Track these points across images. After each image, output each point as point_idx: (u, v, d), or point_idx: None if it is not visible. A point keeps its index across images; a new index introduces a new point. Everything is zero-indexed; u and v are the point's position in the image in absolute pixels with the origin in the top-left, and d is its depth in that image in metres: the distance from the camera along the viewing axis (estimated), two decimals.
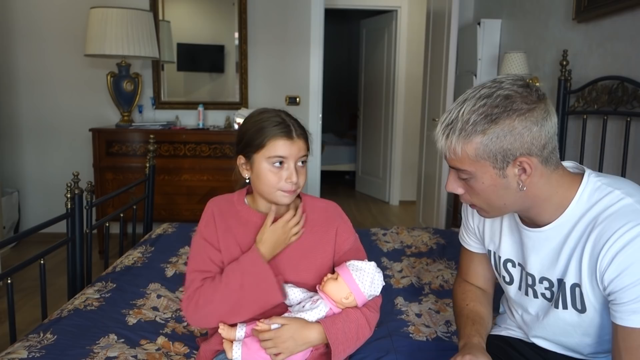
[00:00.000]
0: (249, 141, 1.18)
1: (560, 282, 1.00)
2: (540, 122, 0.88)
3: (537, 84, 2.81)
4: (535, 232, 1.01)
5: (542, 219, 0.99)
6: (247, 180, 1.23)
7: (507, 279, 1.12)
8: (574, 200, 0.95)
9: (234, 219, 1.25)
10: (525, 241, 1.04)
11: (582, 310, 0.97)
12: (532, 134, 0.88)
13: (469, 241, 1.23)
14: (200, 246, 1.24)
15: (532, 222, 1.01)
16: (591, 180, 0.95)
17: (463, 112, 0.90)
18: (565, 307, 1.00)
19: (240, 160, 1.22)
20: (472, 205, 1.02)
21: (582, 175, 0.98)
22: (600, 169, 2.17)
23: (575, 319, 1.00)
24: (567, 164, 1.03)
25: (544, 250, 1.01)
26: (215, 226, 1.24)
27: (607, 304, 0.94)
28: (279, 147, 1.16)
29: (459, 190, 0.99)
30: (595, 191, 0.94)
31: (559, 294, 1.00)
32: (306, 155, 1.21)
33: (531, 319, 1.10)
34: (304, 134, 1.20)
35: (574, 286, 0.97)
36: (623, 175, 2.02)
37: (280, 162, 1.16)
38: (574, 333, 1.03)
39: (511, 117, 0.87)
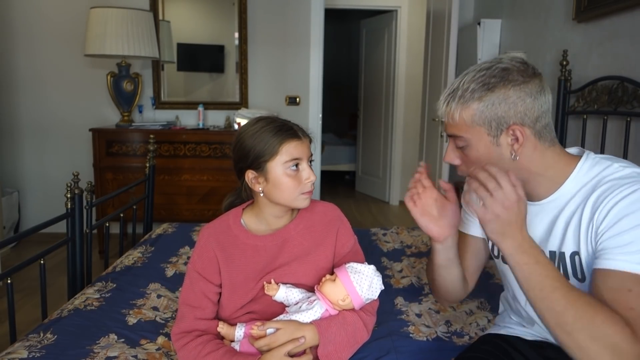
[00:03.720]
0: (259, 153, 1.14)
1: (554, 254, 1.01)
2: (534, 94, 0.94)
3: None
4: (531, 205, 1.02)
5: (537, 193, 1.01)
6: (261, 194, 1.19)
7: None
8: (573, 174, 0.98)
9: (232, 246, 1.22)
10: None
11: (583, 279, 0.98)
12: (526, 104, 0.93)
13: (468, 221, 1.23)
14: (192, 279, 1.22)
15: (527, 196, 1.02)
16: (590, 157, 0.99)
17: (464, 82, 0.96)
18: (567, 278, 0.99)
19: (250, 175, 1.18)
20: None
21: (581, 156, 1.01)
22: None
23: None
24: (571, 150, 1.05)
25: (538, 224, 1.02)
26: (216, 256, 1.21)
27: None
28: (293, 149, 1.14)
29: (456, 161, 1.03)
30: (595, 166, 0.97)
31: (559, 265, 1.00)
32: (312, 154, 1.21)
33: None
34: (305, 133, 1.20)
35: (574, 255, 0.97)
36: None
37: (296, 165, 1.15)
38: None
39: (507, 86, 0.93)
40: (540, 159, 0.97)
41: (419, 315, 1.57)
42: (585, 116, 2.30)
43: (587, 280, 0.97)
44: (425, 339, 1.42)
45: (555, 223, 0.99)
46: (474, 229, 1.22)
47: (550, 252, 1.02)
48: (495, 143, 0.96)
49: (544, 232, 1.02)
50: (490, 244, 1.18)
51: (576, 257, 0.97)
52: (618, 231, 0.87)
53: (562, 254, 0.99)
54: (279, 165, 1.14)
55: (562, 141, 2.46)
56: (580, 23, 2.41)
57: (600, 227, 0.90)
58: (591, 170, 0.96)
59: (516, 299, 1.15)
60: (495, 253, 1.16)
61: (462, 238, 1.24)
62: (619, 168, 0.94)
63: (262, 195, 1.19)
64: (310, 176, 1.16)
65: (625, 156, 2.01)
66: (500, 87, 0.93)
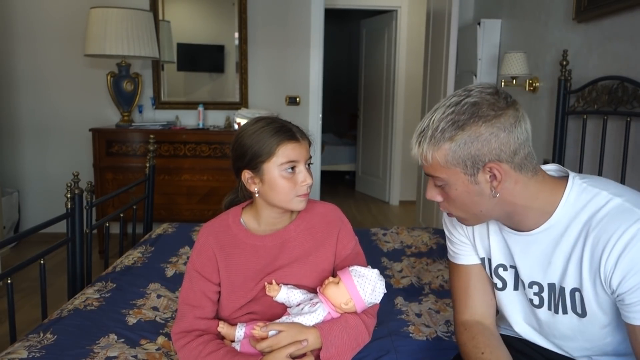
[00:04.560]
0: (255, 154, 1.14)
1: (553, 286, 0.99)
2: (508, 128, 0.88)
3: (537, 84, 2.81)
4: (522, 236, 1.00)
5: (525, 225, 0.98)
6: (257, 195, 1.19)
7: (500, 285, 1.09)
8: (561, 203, 0.94)
9: (231, 245, 1.22)
10: (513, 245, 1.03)
11: (583, 314, 0.97)
12: (500, 140, 0.88)
13: (459, 251, 1.14)
14: (191, 278, 1.22)
15: (516, 228, 1.00)
16: (576, 183, 0.95)
17: (433, 120, 0.91)
18: (565, 311, 0.99)
19: (246, 175, 1.17)
20: (450, 214, 1.02)
21: (564, 178, 0.97)
22: (600, 168, 2.17)
23: (575, 323, 0.99)
24: (549, 167, 1.02)
25: (533, 255, 1.00)
26: (214, 254, 1.21)
27: (609, 308, 0.94)
28: (290, 151, 1.13)
29: (438, 198, 0.99)
30: (582, 193, 0.93)
31: (558, 299, 0.99)
32: (311, 157, 1.19)
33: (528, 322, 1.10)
34: (304, 135, 1.19)
35: (574, 291, 0.96)
36: (623, 175, 2.02)
37: (292, 168, 1.14)
38: (572, 337, 1.02)
39: (477, 123, 0.88)
40: (524, 192, 0.93)
41: (419, 315, 1.57)
42: (585, 116, 2.30)
43: (587, 316, 0.97)
44: (425, 338, 1.42)
45: (552, 255, 0.97)
46: (467, 258, 1.13)
47: (549, 284, 1.00)
48: (473, 182, 0.92)
49: (540, 262, 1.00)
50: (487, 269, 1.11)
51: (577, 294, 0.96)
52: (634, 284, 0.86)
53: (562, 289, 0.98)
54: (275, 167, 1.13)
55: (563, 141, 2.45)
56: (580, 23, 2.41)
57: (613, 280, 0.88)
58: (579, 198, 0.93)
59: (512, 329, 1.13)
60: (489, 274, 1.11)
61: (465, 276, 1.14)
62: (607, 197, 0.91)
63: (257, 195, 1.19)
64: (306, 179, 1.15)
65: (625, 156, 2.02)
66: (471, 124, 0.88)
